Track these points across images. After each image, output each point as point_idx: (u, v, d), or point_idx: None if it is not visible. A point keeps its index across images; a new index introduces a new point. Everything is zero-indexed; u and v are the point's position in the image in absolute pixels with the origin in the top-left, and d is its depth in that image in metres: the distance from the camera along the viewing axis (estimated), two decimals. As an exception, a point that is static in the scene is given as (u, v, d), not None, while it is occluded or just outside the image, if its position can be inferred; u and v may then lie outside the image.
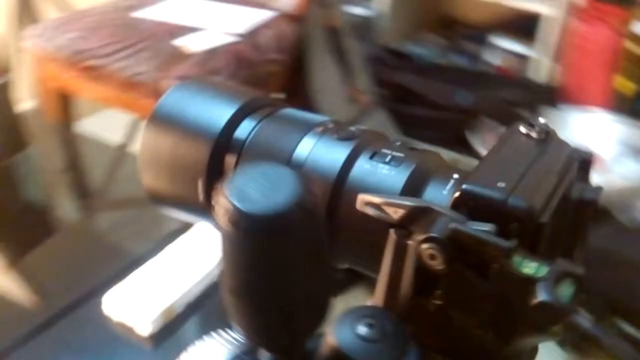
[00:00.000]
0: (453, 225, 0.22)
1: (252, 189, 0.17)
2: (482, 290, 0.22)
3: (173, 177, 0.34)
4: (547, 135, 0.27)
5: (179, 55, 0.97)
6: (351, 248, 0.29)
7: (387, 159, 0.29)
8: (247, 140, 0.32)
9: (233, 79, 0.95)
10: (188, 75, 0.92)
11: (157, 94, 0.94)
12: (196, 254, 0.68)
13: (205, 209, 0.32)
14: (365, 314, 0.23)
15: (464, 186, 0.24)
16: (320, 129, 0.32)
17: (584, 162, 0.29)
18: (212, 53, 0.97)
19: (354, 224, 0.28)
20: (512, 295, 0.21)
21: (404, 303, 0.25)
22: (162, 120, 0.34)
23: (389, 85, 1.57)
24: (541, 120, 0.27)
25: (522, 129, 0.27)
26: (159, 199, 0.35)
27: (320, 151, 0.31)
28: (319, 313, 0.21)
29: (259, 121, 0.33)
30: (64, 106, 1.14)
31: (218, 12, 1.15)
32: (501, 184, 0.23)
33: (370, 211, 0.26)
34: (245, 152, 0.32)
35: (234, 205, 0.17)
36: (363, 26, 1.84)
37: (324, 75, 1.21)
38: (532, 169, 0.25)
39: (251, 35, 1.04)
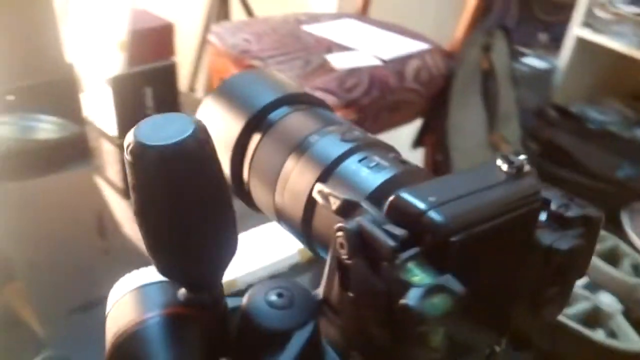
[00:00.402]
0: (360, 219, 0.23)
1: (153, 129, 0.21)
2: (375, 287, 0.23)
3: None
4: (518, 173, 0.26)
5: (325, 69, 1.05)
6: (323, 236, 0.32)
7: (372, 164, 0.31)
8: (274, 123, 0.36)
9: (366, 98, 1.00)
10: (326, 86, 0.99)
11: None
12: (274, 240, 0.73)
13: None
14: (279, 286, 0.26)
15: (399, 192, 0.25)
16: (333, 127, 0.35)
17: (556, 213, 0.28)
18: (353, 71, 1.03)
19: (327, 213, 0.30)
20: (392, 296, 0.22)
21: (334, 294, 0.27)
22: (219, 96, 0.40)
23: (543, 142, 1.49)
24: (521, 157, 0.27)
25: (499, 162, 0.27)
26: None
27: (322, 144, 0.33)
28: (220, 247, 0.24)
29: (293, 111, 0.37)
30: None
31: (376, 37, 1.21)
32: (432, 198, 0.24)
33: (319, 199, 0.28)
34: (268, 132, 0.36)
35: (134, 138, 0.21)
36: (539, 78, 1.77)
37: (466, 114, 1.20)
38: (475, 195, 0.25)
39: (396, 62, 1.08)
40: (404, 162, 0.32)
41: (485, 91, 1.24)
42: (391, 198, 0.25)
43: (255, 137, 0.36)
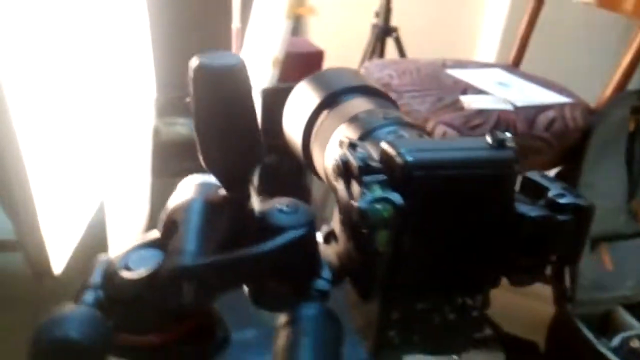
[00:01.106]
0: (348, 151, 0.30)
1: (211, 59, 0.30)
2: (348, 203, 0.29)
3: (293, 125, 0.49)
4: (499, 145, 0.31)
5: (455, 107, 1.10)
6: None
7: (398, 134, 0.38)
8: (340, 104, 0.45)
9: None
10: (451, 122, 1.04)
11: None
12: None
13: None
14: (289, 202, 0.33)
15: (388, 139, 0.31)
16: (381, 110, 0.42)
17: (550, 199, 0.32)
18: (482, 112, 1.07)
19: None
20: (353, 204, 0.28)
21: (335, 221, 0.34)
22: (311, 80, 0.50)
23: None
24: (507, 134, 0.31)
25: (487, 136, 0.32)
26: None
27: (367, 119, 0.41)
28: (245, 152, 0.32)
29: (357, 97, 0.45)
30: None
31: (517, 86, 1.23)
32: (411, 147, 0.30)
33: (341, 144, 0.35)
34: (334, 109, 0.45)
35: (197, 62, 0.30)
36: None
37: (602, 174, 1.15)
38: (450, 151, 0.30)
39: (529, 109, 1.09)
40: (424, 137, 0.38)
41: (630, 154, 1.17)
42: (381, 143, 0.31)
43: (324, 113, 0.45)
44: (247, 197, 0.33)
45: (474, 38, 2.11)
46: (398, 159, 0.29)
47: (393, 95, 1.18)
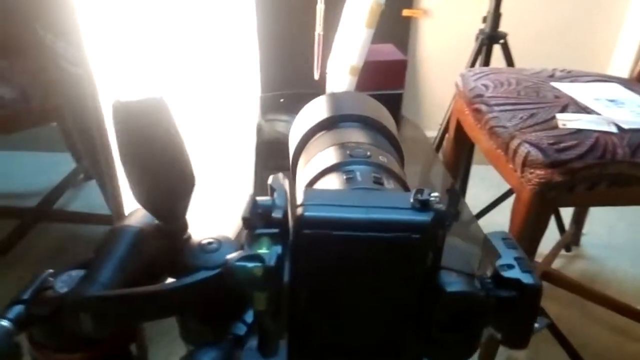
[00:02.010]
0: (258, 199, 0.29)
1: (134, 95, 0.31)
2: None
3: (293, 137, 0.49)
4: (421, 206, 0.28)
5: (548, 125, 1.00)
6: None
7: (348, 177, 0.36)
8: (335, 129, 0.44)
9: (578, 162, 0.92)
10: (537, 141, 0.95)
11: (505, 149, 1.01)
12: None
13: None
14: (218, 237, 0.33)
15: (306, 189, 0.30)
16: (363, 145, 0.40)
17: (495, 270, 0.29)
18: (578, 133, 0.96)
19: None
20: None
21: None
22: (321, 100, 0.49)
23: None
24: (434, 194, 0.28)
25: (414, 192, 0.29)
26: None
27: (344, 150, 0.40)
28: (181, 182, 0.33)
29: (352, 127, 0.44)
30: (459, 139, 1.33)
31: (631, 105, 1.08)
32: (317, 200, 0.28)
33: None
34: (327, 133, 0.44)
35: (116, 99, 0.31)
36: None
37: None
38: (359, 209, 0.27)
39: (637, 134, 0.96)
40: (382, 184, 0.35)
41: None
42: (298, 189, 0.30)
43: (320, 133, 0.45)
44: (181, 229, 0.34)
45: (599, 48, 1.90)
46: (297, 211, 0.28)
47: (484, 108, 1.11)
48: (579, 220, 1.60)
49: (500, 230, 0.33)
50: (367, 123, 0.45)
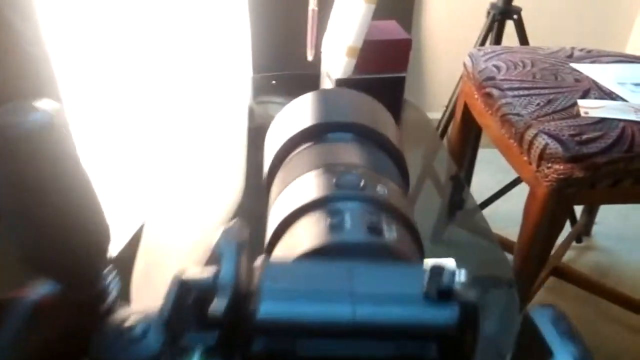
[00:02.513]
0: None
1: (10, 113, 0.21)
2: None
3: (272, 143, 0.39)
4: (441, 296, 0.18)
5: (569, 113, 0.90)
6: None
7: (334, 221, 0.26)
8: (323, 141, 0.35)
9: (602, 157, 0.82)
10: (557, 132, 0.85)
11: (519, 140, 0.91)
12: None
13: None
14: (142, 318, 0.24)
15: (269, 262, 0.20)
16: (355, 169, 0.31)
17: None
18: (602, 122, 0.86)
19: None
20: None
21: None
22: (309, 98, 0.39)
23: None
24: (460, 274, 0.18)
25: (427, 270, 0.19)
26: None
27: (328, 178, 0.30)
28: (94, 230, 0.23)
29: (344, 140, 0.35)
30: (466, 124, 1.22)
31: (660, 89, 0.98)
32: (276, 291, 0.18)
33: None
34: (314, 145, 0.35)
35: None
36: None
37: None
38: (352, 309, 0.18)
39: (668, 124, 0.85)
40: (376, 233, 0.25)
41: None
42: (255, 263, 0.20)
43: (303, 145, 0.35)
44: (96, 299, 0.24)
45: (617, 24, 1.77)
46: (249, 306, 0.18)
47: (496, 93, 1.00)
48: (591, 209, 1.51)
49: (546, 305, 0.23)
50: (363, 134, 0.35)
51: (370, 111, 0.37)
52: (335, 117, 0.36)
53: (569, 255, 1.45)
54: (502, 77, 1.04)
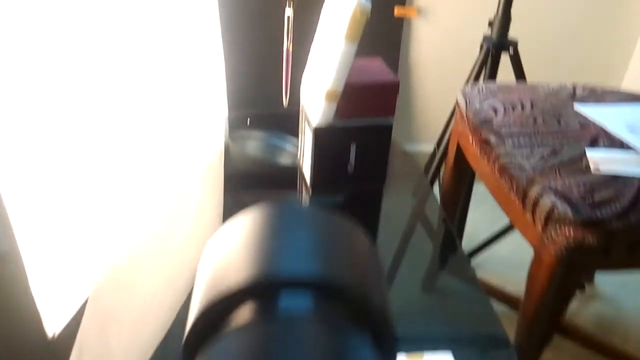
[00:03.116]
0: None
1: None
2: None
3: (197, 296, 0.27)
4: None
5: (577, 167, 0.79)
6: None
7: None
8: (271, 308, 0.23)
9: (617, 222, 0.71)
10: (565, 191, 0.75)
11: (521, 197, 0.80)
12: None
13: None
14: None
15: None
16: None
17: None
18: (615, 180, 0.75)
19: None
20: None
21: None
22: (238, 227, 0.27)
23: None
24: None
25: None
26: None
27: None
28: None
29: (312, 318, 0.23)
30: (459, 167, 1.12)
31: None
32: None
33: None
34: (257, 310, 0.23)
35: None
36: None
37: None
38: None
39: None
40: None
41: None
42: None
43: (238, 309, 0.23)
44: None
45: (614, 58, 1.69)
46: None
47: (493, 140, 0.90)
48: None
49: None
50: (332, 295, 0.23)
51: (345, 249, 0.25)
52: (290, 266, 0.24)
53: (571, 306, 1.34)
54: (500, 121, 0.93)
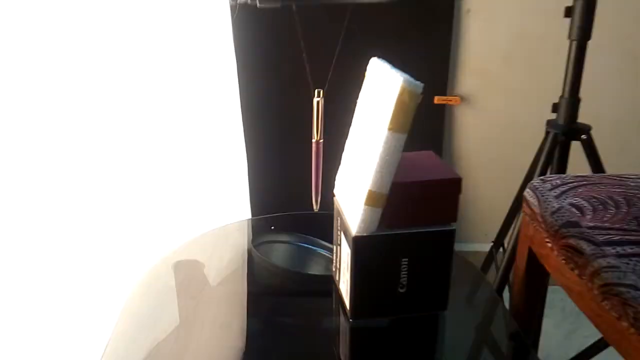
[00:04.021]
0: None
1: None
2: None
3: None
4: None
5: None
6: None
7: None
8: None
9: None
10: None
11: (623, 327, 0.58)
12: None
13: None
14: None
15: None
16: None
17: None
18: None
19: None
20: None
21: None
22: None
23: None
24: None
25: None
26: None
27: None
28: None
29: None
30: (533, 276, 0.91)
31: None
32: None
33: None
34: None
35: None
36: None
37: None
38: None
39: None
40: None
41: None
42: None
43: None
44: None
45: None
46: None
47: (586, 248, 0.69)
48: None
49: None
50: None
51: None
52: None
53: None
54: (591, 223, 0.73)
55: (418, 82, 0.58)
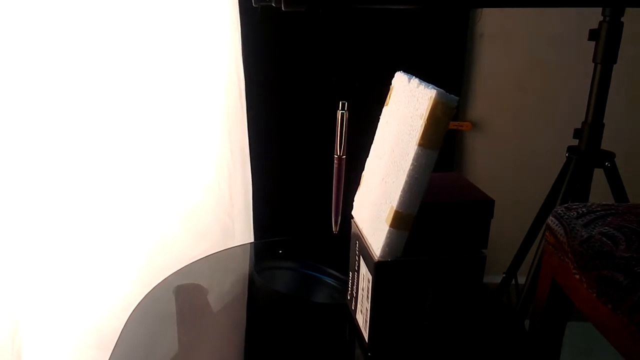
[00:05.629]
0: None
1: None
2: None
3: None
4: None
5: None
6: None
7: None
8: None
9: None
10: None
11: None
12: None
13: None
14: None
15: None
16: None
17: None
18: None
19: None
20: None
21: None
22: None
23: None
24: None
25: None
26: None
27: None
28: None
29: None
30: (555, 308, 0.86)
31: None
32: None
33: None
34: None
35: None
36: None
37: None
38: None
39: None
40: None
41: None
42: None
43: None
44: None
45: None
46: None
47: (623, 281, 0.64)
48: None
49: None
50: None
51: None
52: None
53: None
54: (626, 254, 0.69)
55: (452, 96, 0.54)
